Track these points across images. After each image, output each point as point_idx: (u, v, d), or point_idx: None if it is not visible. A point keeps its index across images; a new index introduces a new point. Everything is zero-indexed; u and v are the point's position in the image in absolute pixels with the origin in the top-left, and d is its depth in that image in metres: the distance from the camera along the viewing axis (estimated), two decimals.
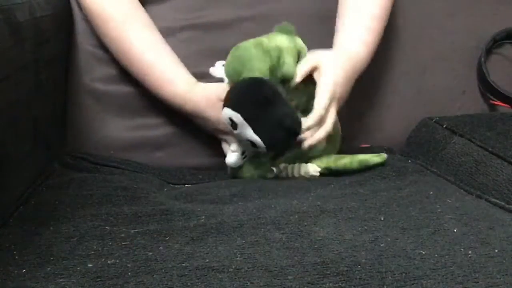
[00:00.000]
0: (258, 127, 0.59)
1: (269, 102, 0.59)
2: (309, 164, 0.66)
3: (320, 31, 0.73)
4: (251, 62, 0.61)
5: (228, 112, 0.60)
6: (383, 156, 0.64)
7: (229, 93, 0.61)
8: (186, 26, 0.74)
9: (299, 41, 0.65)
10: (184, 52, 0.72)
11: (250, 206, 0.51)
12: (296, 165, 0.66)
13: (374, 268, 0.37)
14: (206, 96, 0.67)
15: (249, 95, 0.60)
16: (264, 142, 0.59)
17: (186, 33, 0.74)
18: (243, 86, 0.61)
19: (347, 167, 0.65)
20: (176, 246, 0.42)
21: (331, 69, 0.63)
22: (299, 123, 0.60)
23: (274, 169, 0.66)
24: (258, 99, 0.59)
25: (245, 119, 0.59)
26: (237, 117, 0.59)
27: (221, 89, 0.65)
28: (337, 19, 0.73)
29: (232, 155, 0.66)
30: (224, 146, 0.71)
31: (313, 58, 0.63)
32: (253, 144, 0.60)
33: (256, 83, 0.60)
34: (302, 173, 0.65)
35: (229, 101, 0.60)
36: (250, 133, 0.59)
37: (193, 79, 0.70)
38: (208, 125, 0.69)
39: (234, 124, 0.60)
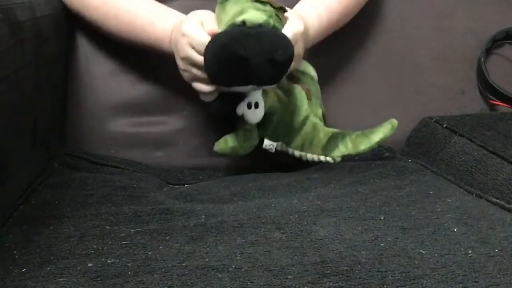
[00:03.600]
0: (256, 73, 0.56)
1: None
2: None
3: None
4: None
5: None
6: (394, 124, 0.65)
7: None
8: None
9: None
10: None
11: (250, 205, 0.51)
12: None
13: (374, 268, 0.37)
14: (180, 25, 0.60)
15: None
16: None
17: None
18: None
19: (368, 151, 0.65)
20: (176, 246, 0.42)
21: (297, 16, 0.63)
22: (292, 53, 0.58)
23: (270, 143, 0.67)
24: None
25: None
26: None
27: (183, 29, 0.59)
28: None
29: (254, 112, 0.63)
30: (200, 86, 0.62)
31: None
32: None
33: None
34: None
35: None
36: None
37: (179, 18, 0.63)
38: (179, 60, 0.61)
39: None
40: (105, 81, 0.75)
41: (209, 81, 0.59)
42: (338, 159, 0.67)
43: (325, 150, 0.66)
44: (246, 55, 0.54)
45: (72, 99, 0.75)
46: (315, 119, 0.68)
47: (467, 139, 0.64)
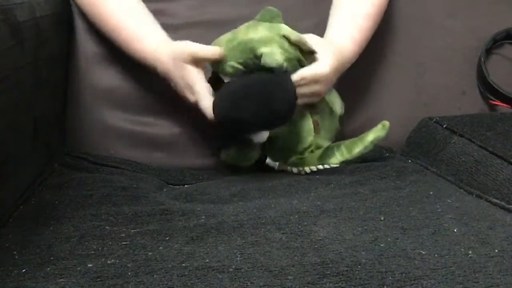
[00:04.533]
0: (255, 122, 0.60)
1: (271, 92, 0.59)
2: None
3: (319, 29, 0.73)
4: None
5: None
6: (386, 125, 0.65)
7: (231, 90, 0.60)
8: (187, 24, 0.74)
9: (284, 28, 0.62)
10: None
11: (250, 206, 0.51)
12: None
13: (374, 268, 0.37)
14: (173, 57, 0.63)
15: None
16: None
17: (186, 31, 0.74)
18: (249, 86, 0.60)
19: (363, 152, 0.66)
20: (176, 246, 0.42)
21: (330, 51, 0.64)
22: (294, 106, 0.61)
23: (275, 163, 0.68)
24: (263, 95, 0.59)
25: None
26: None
27: (186, 49, 0.62)
28: (330, 15, 0.73)
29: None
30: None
31: (313, 38, 0.65)
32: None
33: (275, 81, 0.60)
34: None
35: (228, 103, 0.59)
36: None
37: (165, 38, 0.67)
38: (178, 89, 0.66)
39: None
40: (105, 81, 0.75)
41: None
42: (336, 166, 0.67)
43: (322, 160, 0.67)
44: (247, 119, 0.58)
45: (72, 99, 0.75)
46: (314, 148, 0.69)
47: (467, 140, 0.64)
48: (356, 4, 0.72)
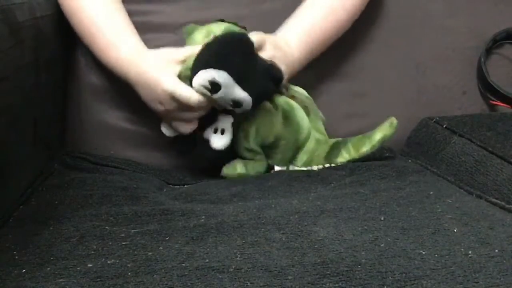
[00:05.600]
0: (246, 82, 0.56)
1: (254, 54, 0.58)
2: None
3: None
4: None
5: (210, 74, 0.55)
6: (393, 122, 0.65)
7: (204, 52, 0.57)
8: (187, 24, 0.74)
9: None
10: None
11: (250, 206, 0.51)
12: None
13: (374, 268, 0.37)
14: (147, 63, 0.62)
15: (235, 50, 0.56)
16: (252, 96, 0.57)
17: None
18: (224, 41, 0.56)
19: (370, 152, 0.65)
20: (176, 246, 0.42)
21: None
22: (281, 71, 0.60)
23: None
24: (244, 52, 0.57)
25: (233, 76, 0.55)
26: (223, 76, 0.55)
27: (165, 54, 0.62)
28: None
29: (220, 137, 0.63)
30: (166, 128, 0.67)
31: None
32: (235, 104, 0.58)
33: (238, 35, 0.58)
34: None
35: (206, 62, 0.56)
36: (237, 92, 0.56)
37: (142, 46, 0.66)
38: (153, 100, 0.63)
39: (215, 87, 0.56)
40: (105, 81, 0.75)
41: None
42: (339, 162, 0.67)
43: (328, 158, 0.67)
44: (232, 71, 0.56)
45: (72, 99, 0.75)
46: (317, 134, 0.68)
47: (467, 140, 0.64)
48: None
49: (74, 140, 0.75)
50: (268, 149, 0.67)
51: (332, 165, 0.67)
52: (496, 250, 0.40)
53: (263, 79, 0.59)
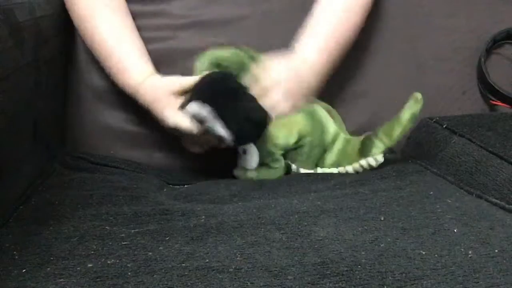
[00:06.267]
0: (228, 120, 0.59)
1: (238, 95, 0.60)
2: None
3: None
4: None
5: (196, 106, 0.59)
6: (418, 97, 0.63)
7: (196, 87, 0.61)
8: (187, 24, 0.74)
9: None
10: (184, 49, 0.72)
11: (250, 206, 0.51)
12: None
13: (374, 268, 0.37)
14: (153, 91, 0.65)
15: (219, 88, 0.60)
16: (233, 135, 0.59)
17: (186, 31, 0.74)
18: (211, 79, 0.60)
19: (403, 134, 0.64)
20: (176, 246, 0.42)
21: (276, 67, 0.66)
22: (268, 115, 0.61)
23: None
24: (228, 91, 0.59)
25: (216, 112, 0.58)
26: (206, 110, 0.58)
27: (170, 84, 0.64)
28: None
29: (245, 159, 0.65)
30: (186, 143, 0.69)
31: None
32: (218, 138, 0.60)
33: (224, 76, 0.61)
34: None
35: (196, 95, 0.60)
36: (218, 128, 0.59)
37: (149, 71, 0.68)
38: (159, 121, 0.66)
39: (200, 119, 0.59)
40: (105, 81, 0.75)
41: None
42: (380, 158, 0.64)
43: (363, 153, 0.64)
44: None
45: (72, 99, 0.75)
46: (346, 135, 0.68)
47: (467, 140, 0.64)
48: (328, 10, 0.70)
49: (74, 140, 0.74)
50: (292, 151, 0.66)
51: (369, 160, 0.64)
52: (496, 250, 0.40)
53: (245, 121, 0.60)
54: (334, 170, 0.66)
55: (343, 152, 0.66)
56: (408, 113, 0.63)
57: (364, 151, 0.64)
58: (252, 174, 0.66)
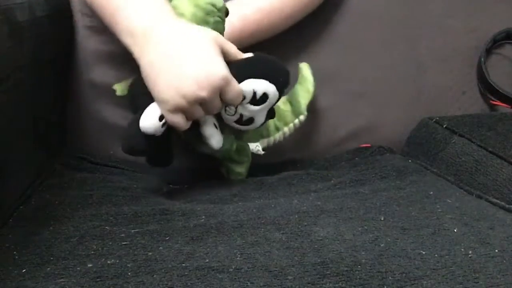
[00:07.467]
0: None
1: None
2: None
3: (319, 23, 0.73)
4: None
5: (266, 85, 0.55)
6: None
7: (255, 63, 0.57)
8: None
9: None
10: None
11: (250, 206, 0.51)
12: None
13: (374, 268, 0.37)
14: (185, 35, 0.49)
15: (280, 70, 0.59)
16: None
17: None
18: (272, 60, 0.59)
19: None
20: (176, 246, 0.42)
21: None
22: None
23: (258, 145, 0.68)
24: (286, 72, 0.60)
25: (280, 94, 0.58)
26: (274, 91, 0.56)
27: (223, 42, 0.53)
28: None
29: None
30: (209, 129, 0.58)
31: None
32: (248, 120, 0.59)
33: (278, 60, 0.60)
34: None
35: (262, 73, 0.56)
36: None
37: (168, 9, 0.52)
38: (179, 79, 0.49)
39: (263, 98, 0.56)
40: (105, 81, 0.75)
41: None
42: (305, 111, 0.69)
43: (295, 113, 0.68)
44: None
45: (72, 99, 0.75)
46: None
47: (467, 140, 0.64)
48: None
49: (74, 140, 0.74)
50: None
51: (301, 117, 0.68)
52: (496, 250, 0.40)
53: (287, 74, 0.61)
54: (277, 136, 0.69)
55: (279, 115, 0.68)
56: (306, 69, 0.69)
57: (295, 111, 0.69)
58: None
